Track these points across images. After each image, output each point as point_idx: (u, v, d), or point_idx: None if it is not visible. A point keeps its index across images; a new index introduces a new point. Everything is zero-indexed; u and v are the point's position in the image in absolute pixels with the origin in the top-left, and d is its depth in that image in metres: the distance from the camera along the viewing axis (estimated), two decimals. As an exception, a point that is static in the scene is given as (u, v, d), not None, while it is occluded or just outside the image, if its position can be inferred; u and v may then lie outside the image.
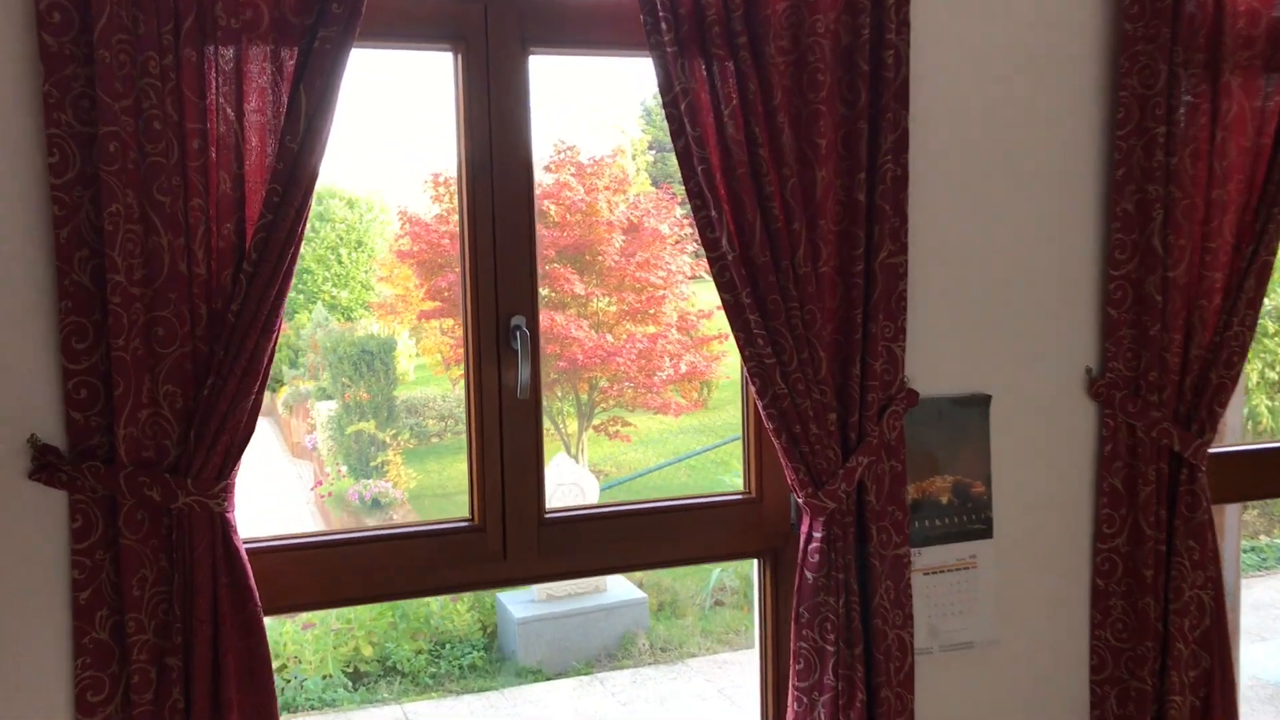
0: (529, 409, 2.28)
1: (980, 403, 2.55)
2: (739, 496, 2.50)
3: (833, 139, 2.27)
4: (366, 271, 15.09)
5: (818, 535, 2.30)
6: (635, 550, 2.40)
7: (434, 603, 5.56)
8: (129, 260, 1.88)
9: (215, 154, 1.93)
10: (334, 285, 15.18)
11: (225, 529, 1.98)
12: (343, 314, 14.63)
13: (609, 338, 9.80)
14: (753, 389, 2.26)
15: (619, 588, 6.16)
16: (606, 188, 10.00)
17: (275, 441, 13.21)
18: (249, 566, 2.00)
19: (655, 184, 11.39)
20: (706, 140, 2.16)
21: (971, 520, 2.54)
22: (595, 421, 9.80)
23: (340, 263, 15.03)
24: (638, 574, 6.68)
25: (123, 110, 1.86)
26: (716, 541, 2.46)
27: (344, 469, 10.07)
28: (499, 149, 2.23)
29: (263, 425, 14.07)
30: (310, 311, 13.49)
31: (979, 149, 2.54)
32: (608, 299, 9.94)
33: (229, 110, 1.94)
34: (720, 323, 10.80)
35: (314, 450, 11.13)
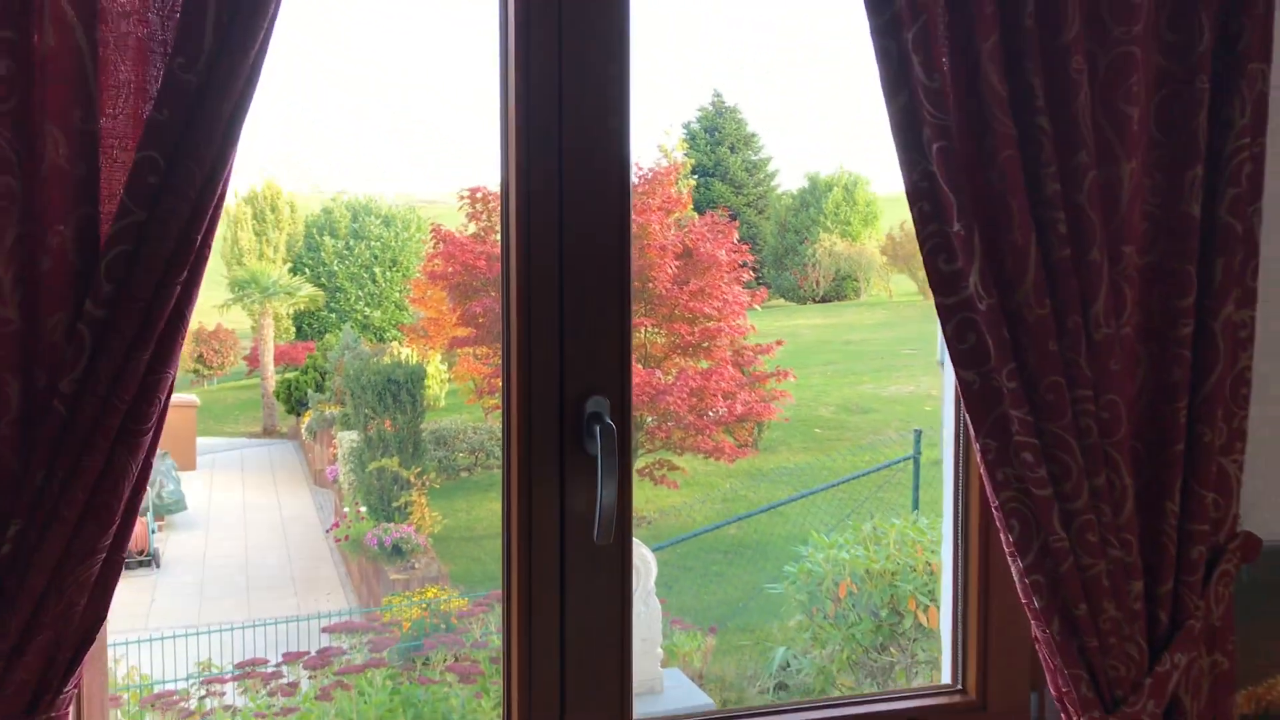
0: (612, 560, 1.32)
1: (1345, 552, 1.57)
2: (944, 699, 1.52)
3: (1145, 109, 1.31)
4: (401, 291, 14.34)
5: (1105, 791, 1.32)
6: (778, 790, 1.43)
7: (454, 698, 4.66)
8: None
9: (39, 90, 1.00)
10: (367, 305, 14.43)
11: (43, 806, 1.04)
12: (375, 335, 13.83)
13: (658, 374, 8.86)
14: (1004, 538, 1.29)
15: (679, 690, 5.19)
16: (660, 208, 9.10)
17: (299, 468, 12.41)
18: None
19: (699, 210, 10.47)
20: (945, 98, 1.21)
21: (1328, 747, 1.56)
22: (639, 465, 8.83)
23: (374, 282, 14.27)
24: (696, 665, 5.67)
25: None
26: (908, 771, 1.49)
27: (363, 509, 9.18)
28: (575, 129, 1.29)
29: (287, 449, 13.35)
30: (339, 332, 12.67)
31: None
32: (657, 330, 9.01)
33: (68, 7, 1.01)
34: (791, 361, 9.80)
35: (335, 483, 10.30)
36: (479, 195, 9.97)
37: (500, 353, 1.33)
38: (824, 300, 14.97)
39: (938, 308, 1.24)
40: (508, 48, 1.31)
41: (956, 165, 1.20)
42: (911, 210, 1.22)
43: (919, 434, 7.86)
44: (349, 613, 6.75)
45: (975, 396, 1.25)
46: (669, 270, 8.85)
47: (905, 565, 5.14)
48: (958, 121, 1.21)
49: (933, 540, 5.25)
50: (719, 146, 15.49)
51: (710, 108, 15.76)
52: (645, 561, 5.43)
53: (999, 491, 1.27)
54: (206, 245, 1.03)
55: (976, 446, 1.27)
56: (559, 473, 1.31)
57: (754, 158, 15.98)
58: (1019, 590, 1.31)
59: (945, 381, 1.69)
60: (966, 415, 1.26)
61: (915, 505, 7.63)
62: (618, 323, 1.30)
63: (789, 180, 15.79)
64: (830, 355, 13.20)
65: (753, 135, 15.91)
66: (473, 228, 9.97)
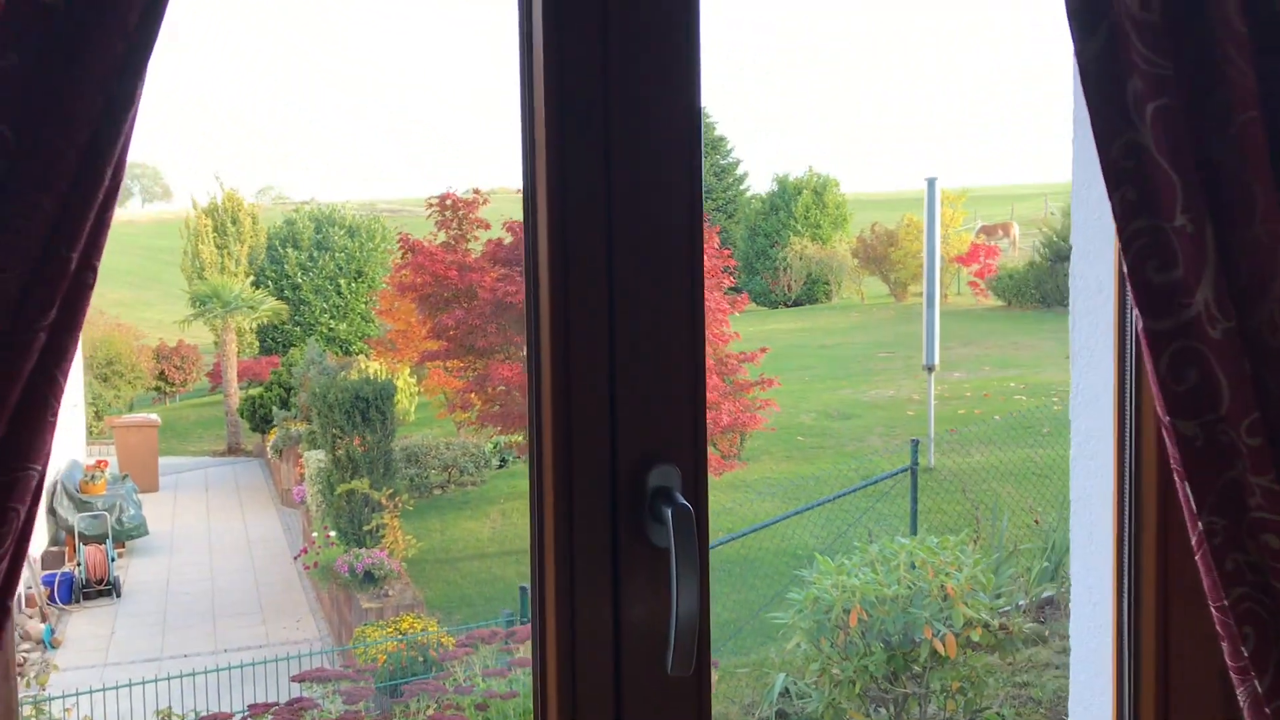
0: (687, 696, 0.95)
1: None
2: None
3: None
4: (367, 303, 13.97)
5: None
6: None
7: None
8: None
9: None
10: (333, 318, 14.00)
11: None
12: (340, 348, 13.39)
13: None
14: (1230, 649, 0.93)
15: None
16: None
17: (265, 488, 11.98)
18: None
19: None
20: (1165, 36, 0.85)
21: None
22: (621, 481, 8.46)
23: (340, 294, 13.84)
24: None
25: None
26: None
27: (333, 534, 8.75)
28: (626, 120, 0.92)
29: (253, 468, 12.93)
30: (304, 346, 12.23)
31: None
32: (636, 339, 8.66)
33: None
34: (767, 366, 9.43)
35: (302, 504, 9.88)
36: (448, 202, 9.58)
37: (527, 406, 0.97)
38: (796, 304, 14.75)
39: (1146, 334, 0.89)
40: (531, 20, 0.94)
41: (1175, 130, 0.85)
42: (1111, 199, 0.87)
43: (916, 444, 7.55)
44: (320, 652, 6.33)
45: (1197, 457, 0.90)
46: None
47: (918, 590, 4.81)
48: (1178, 71, 0.86)
49: (945, 561, 4.93)
50: (688, 151, 15.24)
51: (679, 112, 15.48)
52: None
53: (1228, 587, 0.92)
54: (89, 267, 0.66)
55: (1198, 526, 0.91)
56: (612, 571, 0.94)
57: (723, 161, 15.76)
58: None
59: (1073, 417, 1.34)
60: (1185, 485, 0.90)
61: (914, 520, 7.31)
62: (689, 368, 0.94)
63: (758, 184, 15.57)
64: (807, 360, 12.93)
65: (721, 139, 15.68)
66: (442, 236, 9.58)
